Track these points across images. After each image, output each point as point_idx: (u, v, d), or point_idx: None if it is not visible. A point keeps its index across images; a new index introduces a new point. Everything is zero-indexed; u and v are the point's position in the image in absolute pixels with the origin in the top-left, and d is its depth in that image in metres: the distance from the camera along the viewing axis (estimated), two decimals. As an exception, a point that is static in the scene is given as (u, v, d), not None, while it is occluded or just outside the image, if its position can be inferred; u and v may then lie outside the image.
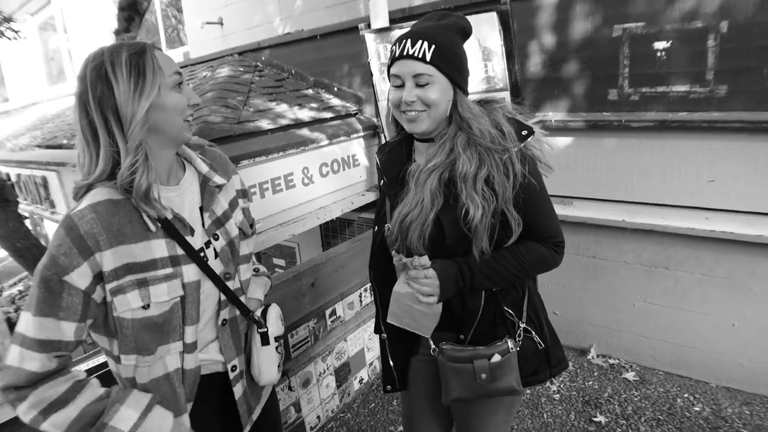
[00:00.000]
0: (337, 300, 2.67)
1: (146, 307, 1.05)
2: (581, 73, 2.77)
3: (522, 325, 1.33)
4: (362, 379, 2.94)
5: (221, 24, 5.29)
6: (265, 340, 1.33)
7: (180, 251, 1.11)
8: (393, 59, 1.23)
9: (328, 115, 3.40)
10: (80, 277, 0.99)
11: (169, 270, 1.07)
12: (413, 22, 2.57)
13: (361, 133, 3.46)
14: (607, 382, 2.84)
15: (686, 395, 2.66)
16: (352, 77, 3.80)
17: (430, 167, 1.23)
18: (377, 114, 3.28)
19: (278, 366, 1.38)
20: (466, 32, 1.26)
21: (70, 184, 5.30)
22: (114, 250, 1.01)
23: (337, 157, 3.28)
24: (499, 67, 2.29)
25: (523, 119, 1.27)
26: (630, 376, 2.85)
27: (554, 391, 2.79)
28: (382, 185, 1.41)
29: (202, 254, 1.16)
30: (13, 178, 6.25)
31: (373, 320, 2.33)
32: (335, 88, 3.88)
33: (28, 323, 0.98)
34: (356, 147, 3.45)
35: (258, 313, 1.36)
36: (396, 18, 2.97)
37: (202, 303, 1.17)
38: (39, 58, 9.95)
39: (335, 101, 3.72)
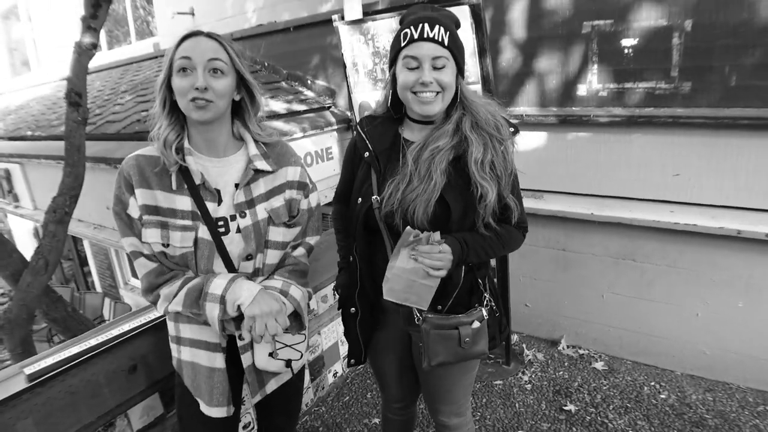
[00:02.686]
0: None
1: (165, 245, 1.27)
2: (551, 69, 2.81)
3: (487, 295, 1.45)
4: (336, 372, 2.93)
5: (192, 14, 5.18)
6: None
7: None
8: (409, 41, 1.26)
9: (301, 107, 3.38)
10: (133, 210, 1.26)
11: (187, 222, 1.27)
12: (388, 15, 2.57)
13: (335, 126, 3.44)
14: (576, 371, 2.90)
15: (653, 383, 2.74)
16: (325, 70, 3.77)
17: (437, 147, 1.30)
18: (350, 107, 3.26)
19: (271, 354, 1.39)
20: (458, 24, 1.36)
21: (35, 176, 5.14)
22: (141, 190, 1.25)
23: (311, 150, 3.26)
24: (470, 61, 2.31)
25: (507, 116, 1.39)
26: (599, 365, 2.92)
27: (526, 381, 2.83)
28: (367, 157, 1.42)
29: (221, 223, 1.30)
30: (-25, 172, 6.01)
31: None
32: (308, 81, 3.84)
33: (125, 245, 1.28)
34: (330, 140, 3.44)
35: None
36: (369, 11, 2.96)
37: (215, 262, 1.31)
38: (1, 49, 9.61)
39: (309, 94, 3.70)
